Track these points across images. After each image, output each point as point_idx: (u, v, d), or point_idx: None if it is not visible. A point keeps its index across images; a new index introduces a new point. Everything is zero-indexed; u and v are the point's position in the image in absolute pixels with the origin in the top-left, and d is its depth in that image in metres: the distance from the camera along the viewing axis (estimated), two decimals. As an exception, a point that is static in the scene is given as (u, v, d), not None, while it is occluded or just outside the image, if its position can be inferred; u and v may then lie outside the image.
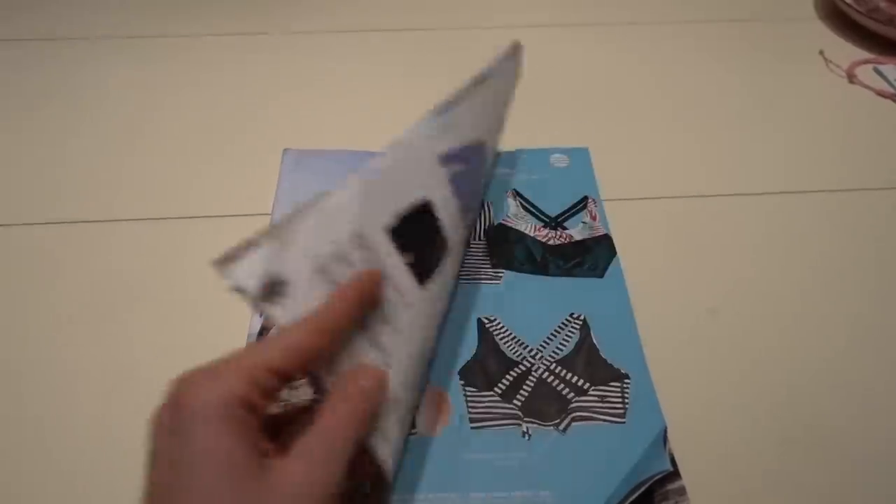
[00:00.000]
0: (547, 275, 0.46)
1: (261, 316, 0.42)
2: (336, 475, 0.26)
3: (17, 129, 0.57)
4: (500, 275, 0.46)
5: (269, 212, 0.50)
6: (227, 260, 0.28)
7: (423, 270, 0.36)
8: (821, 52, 0.65)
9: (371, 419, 0.29)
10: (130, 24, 0.68)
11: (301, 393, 0.37)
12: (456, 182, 0.39)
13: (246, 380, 0.25)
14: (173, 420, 0.24)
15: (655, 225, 0.50)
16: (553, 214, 0.50)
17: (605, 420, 0.39)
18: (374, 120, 0.58)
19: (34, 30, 0.67)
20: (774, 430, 0.39)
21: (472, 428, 0.39)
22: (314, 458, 0.26)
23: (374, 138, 0.54)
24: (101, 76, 0.62)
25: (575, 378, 0.41)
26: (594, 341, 0.43)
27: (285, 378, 0.26)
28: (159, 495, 0.24)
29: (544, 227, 0.50)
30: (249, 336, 0.42)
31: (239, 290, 0.28)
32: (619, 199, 0.51)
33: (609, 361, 0.42)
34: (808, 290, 0.46)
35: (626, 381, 0.41)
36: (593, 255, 0.47)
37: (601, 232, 0.49)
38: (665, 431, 0.38)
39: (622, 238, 0.48)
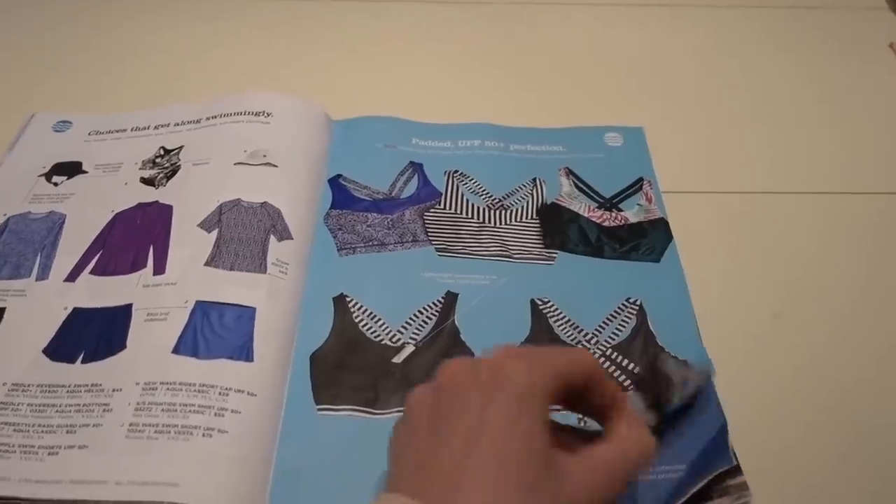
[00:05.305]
0: (602, 257, 0.45)
1: None
2: (616, 490, 0.27)
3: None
4: (553, 255, 0.45)
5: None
6: None
7: None
8: (891, 45, 0.62)
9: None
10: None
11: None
12: None
13: (555, 378, 0.28)
14: (493, 382, 0.27)
15: (712, 218, 0.48)
16: (607, 195, 0.48)
17: (662, 410, 0.37)
18: (423, 90, 0.57)
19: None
20: (836, 433, 0.37)
21: (524, 410, 0.37)
22: (605, 466, 0.27)
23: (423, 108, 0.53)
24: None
25: (631, 365, 0.39)
26: (651, 328, 0.41)
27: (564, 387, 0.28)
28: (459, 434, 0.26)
29: (598, 207, 0.48)
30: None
31: None
32: (678, 192, 0.49)
33: (667, 349, 0.40)
34: (873, 293, 0.44)
35: (685, 370, 0.39)
36: (649, 239, 0.46)
37: (657, 215, 0.47)
38: (725, 425, 0.36)
39: (679, 229, 0.46)
